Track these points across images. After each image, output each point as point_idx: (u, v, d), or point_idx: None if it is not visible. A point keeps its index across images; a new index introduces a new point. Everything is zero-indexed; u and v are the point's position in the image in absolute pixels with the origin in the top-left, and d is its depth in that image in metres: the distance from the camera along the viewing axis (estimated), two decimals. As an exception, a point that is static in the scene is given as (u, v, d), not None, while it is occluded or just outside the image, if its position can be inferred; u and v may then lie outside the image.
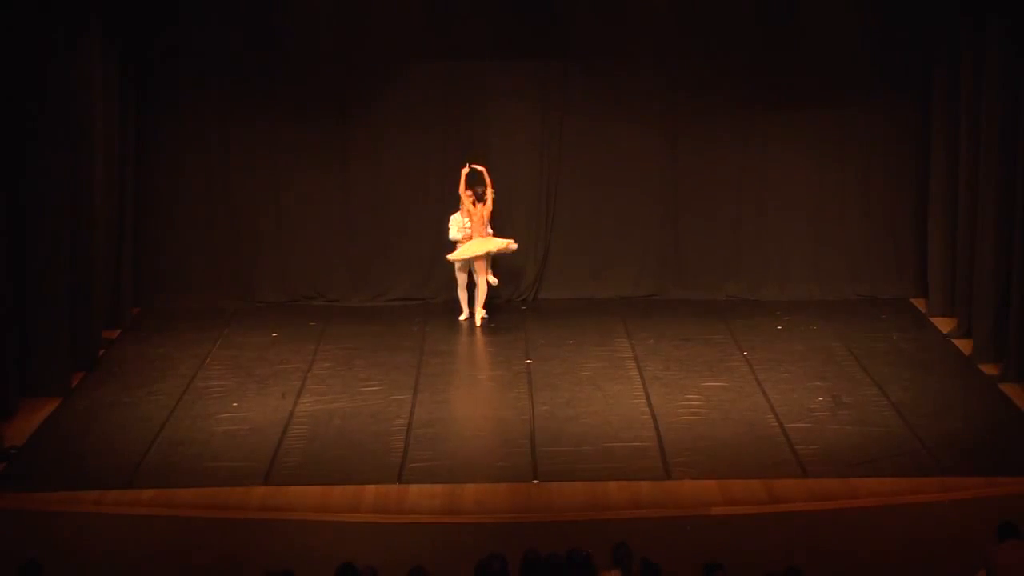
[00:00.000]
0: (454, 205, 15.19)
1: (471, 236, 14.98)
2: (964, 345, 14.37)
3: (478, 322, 15.18)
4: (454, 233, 15.14)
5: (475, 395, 13.63)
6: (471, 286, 15.22)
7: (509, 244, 15.01)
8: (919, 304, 15.85)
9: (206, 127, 15.72)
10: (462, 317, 15.24)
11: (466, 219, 15.05)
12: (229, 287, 15.98)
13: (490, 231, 15.09)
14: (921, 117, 15.63)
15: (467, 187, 14.99)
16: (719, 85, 15.75)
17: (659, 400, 12.85)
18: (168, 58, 15.42)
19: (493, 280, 15.12)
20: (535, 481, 11.19)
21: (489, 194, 14.97)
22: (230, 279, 16.01)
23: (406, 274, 16.07)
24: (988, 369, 13.62)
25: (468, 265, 15.09)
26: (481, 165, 15.05)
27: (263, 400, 12.95)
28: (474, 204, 14.93)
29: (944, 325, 15.06)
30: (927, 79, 15.39)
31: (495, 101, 15.90)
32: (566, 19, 15.63)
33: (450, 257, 15.02)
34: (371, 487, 11.04)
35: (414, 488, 11.05)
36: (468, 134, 15.90)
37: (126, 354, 14.35)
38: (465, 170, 14.99)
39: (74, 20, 13.34)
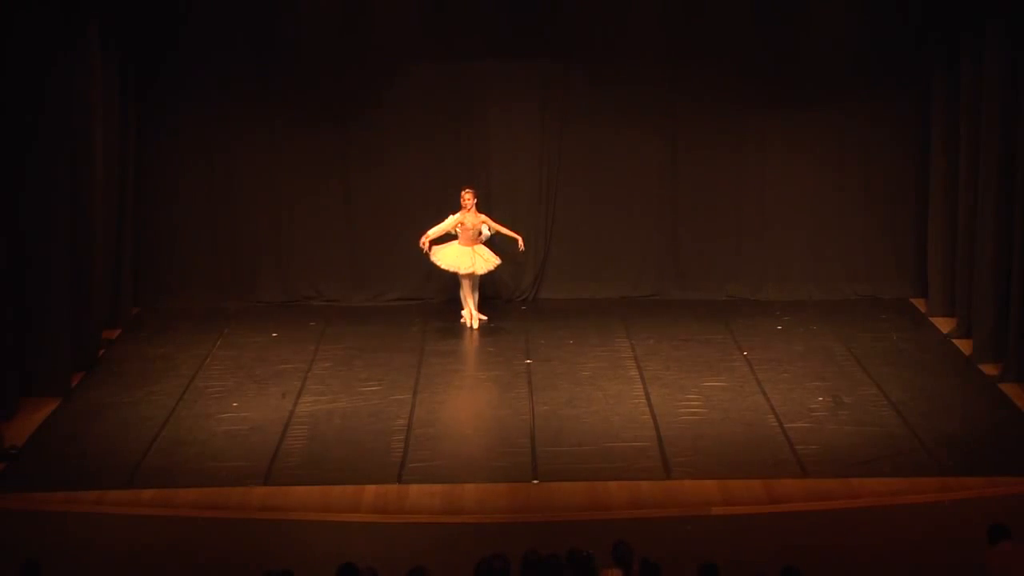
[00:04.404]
0: (454, 205, 15.15)
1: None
2: (964, 345, 14.38)
3: (475, 324, 15.14)
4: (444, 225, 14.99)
5: (475, 395, 13.63)
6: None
7: (488, 266, 14.92)
8: (919, 304, 15.85)
9: (206, 128, 15.73)
10: (463, 318, 15.23)
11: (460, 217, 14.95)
12: (229, 287, 15.99)
13: (485, 233, 14.98)
14: (921, 117, 15.63)
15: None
16: (719, 85, 15.75)
17: (659, 400, 12.85)
18: (169, 59, 15.43)
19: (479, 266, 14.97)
20: (535, 481, 11.20)
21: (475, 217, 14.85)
22: (230, 279, 16.02)
23: (406, 274, 16.04)
24: (988, 369, 13.62)
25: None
26: (471, 189, 14.93)
27: (263, 400, 12.96)
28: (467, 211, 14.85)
29: (944, 325, 15.06)
30: (927, 79, 15.39)
31: (495, 102, 15.90)
32: (566, 20, 15.63)
33: (433, 258, 14.90)
34: (371, 487, 11.04)
35: (414, 488, 11.06)
36: (468, 134, 15.92)
37: (126, 354, 14.35)
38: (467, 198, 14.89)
39: (75, 22, 13.35)
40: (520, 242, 15.02)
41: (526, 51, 15.69)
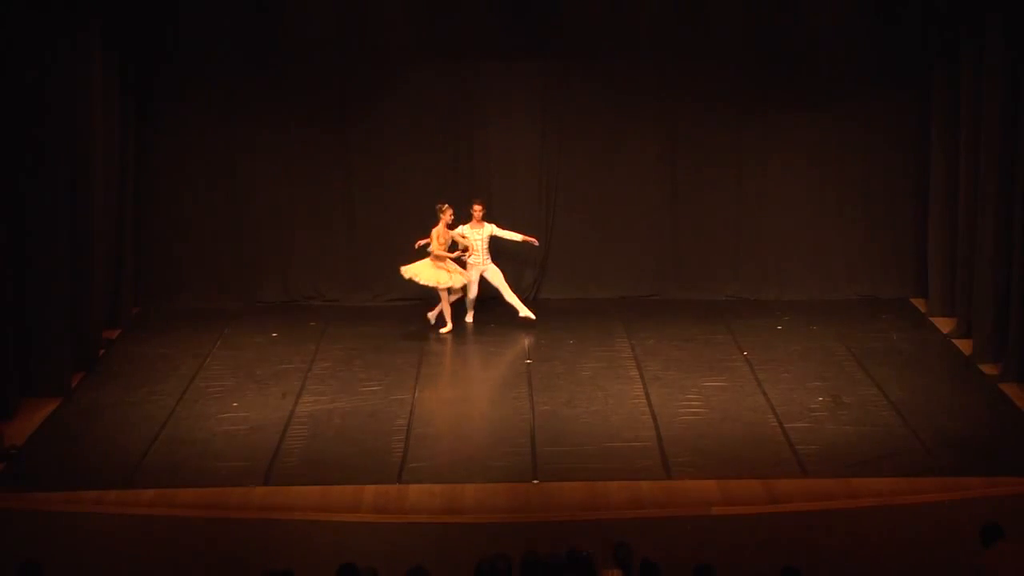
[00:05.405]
0: (453, 206, 15.13)
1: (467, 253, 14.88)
2: (964, 345, 14.38)
3: (470, 317, 15.20)
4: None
5: (475, 395, 13.63)
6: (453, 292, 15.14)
7: (463, 279, 14.86)
8: (919, 304, 15.85)
9: (206, 128, 15.73)
10: (443, 330, 15.05)
11: (476, 229, 14.92)
12: (229, 287, 16.00)
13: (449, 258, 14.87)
14: (921, 117, 15.63)
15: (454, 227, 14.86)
16: (719, 85, 15.75)
17: (659, 400, 12.85)
18: (169, 59, 15.43)
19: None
20: (535, 481, 11.20)
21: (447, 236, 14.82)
22: (230, 279, 16.02)
23: (406, 274, 16.07)
24: (988, 369, 13.62)
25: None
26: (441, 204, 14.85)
27: (263, 400, 12.96)
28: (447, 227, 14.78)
29: (944, 325, 15.06)
30: (927, 79, 15.39)
31: (495, 102, 15.90)
32: (567, 25, 15.63)
33: (407, 274, 14.85)
34: (371, 487, 11.04)
35: (414, 488, 11.05)
36: (468, 136, 15.93)
37: (126, 354, 14.35)
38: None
39: (74, 22, 13.34)
40: (529, 239, 15.07)
41: (527, 54, 15.70)
